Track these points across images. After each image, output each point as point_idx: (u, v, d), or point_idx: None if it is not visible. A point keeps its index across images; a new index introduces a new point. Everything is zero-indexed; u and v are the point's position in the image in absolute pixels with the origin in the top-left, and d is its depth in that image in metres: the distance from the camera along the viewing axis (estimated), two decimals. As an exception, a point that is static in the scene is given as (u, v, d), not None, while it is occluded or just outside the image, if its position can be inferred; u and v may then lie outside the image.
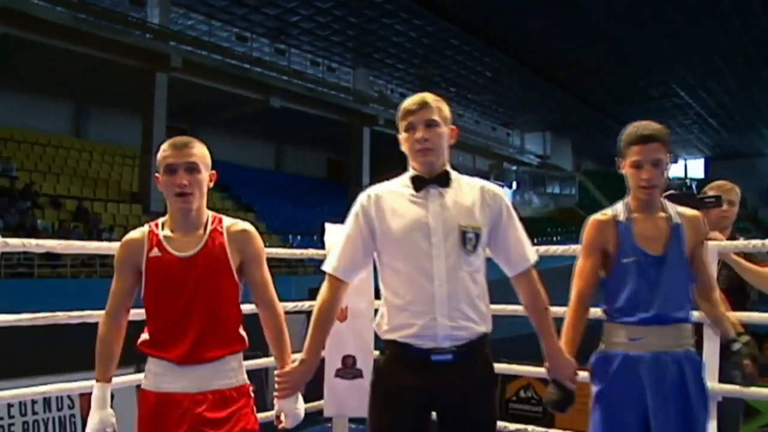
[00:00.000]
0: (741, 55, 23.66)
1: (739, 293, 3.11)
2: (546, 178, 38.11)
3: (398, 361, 2.09)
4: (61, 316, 2.79)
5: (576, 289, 2.38)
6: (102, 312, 2.56)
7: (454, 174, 2.19)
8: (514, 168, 37.45)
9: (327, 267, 2.20)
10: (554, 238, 27.19)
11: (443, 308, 2.03)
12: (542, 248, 3.32)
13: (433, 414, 2.16)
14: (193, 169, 2.14)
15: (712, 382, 2.99)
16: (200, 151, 2.19)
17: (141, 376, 2.19)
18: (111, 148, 22.50)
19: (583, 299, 2.37)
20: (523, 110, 33.55)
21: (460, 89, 30.28)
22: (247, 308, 2.30)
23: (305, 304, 3.58)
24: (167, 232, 2.18)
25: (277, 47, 25.15)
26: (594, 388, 2.37)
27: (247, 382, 2.23)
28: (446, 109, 2.19)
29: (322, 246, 3.76)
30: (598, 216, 2.44)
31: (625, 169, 2.37)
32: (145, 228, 2.22)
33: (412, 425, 2.09)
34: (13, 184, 17.13)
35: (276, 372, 2.19)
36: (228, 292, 2.18)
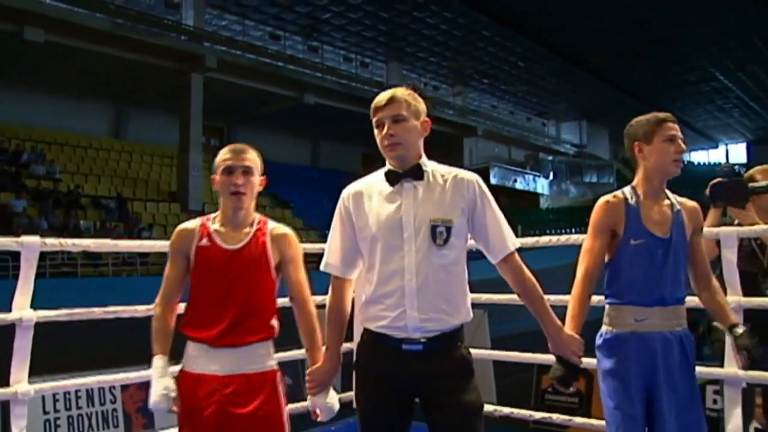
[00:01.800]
0: (782, 35, 23.13)
1: (749, 280, 3.11)
2: (583, 167, 37.67)
3: (373, 349, 2.18)
4: (98, 312, 2.93)
5: (584, 266, 2.45)
6: (135, 307, 2.74)
7: (429, 165, 2.21)
8: (551, 158, 37.07)
9: (323, 267, 2.31)
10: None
11: (413, 301, 2.08)
12: (573, 237, 3.36)
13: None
14: (248, 171, 2.39)
15: (734, 368, 3.00)
16: (254, 157, 2.44)
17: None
18: (149, 148, 22.89)
19: (590, 276, 2.45)
20: (558, 99, 33.20)
21: (493, 80, 30.10)
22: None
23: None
24: (217, 226, 2.41)
25: (310, 44, 25.28)
26: (604, 364, 2.43)
27: (275, 368, 2.39)
28: (417, 103, 2.21)
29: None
30: (608, 197, 2.52)
31: (649, 149, 2.48)
32: (198, 221, 2.46)
33: (393, 408, 2.15)
34: (57, 186, 17.55)
35: (307, 371, 2.32)
36: (264, 285, 2.39)
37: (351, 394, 3.96)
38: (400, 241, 2.11)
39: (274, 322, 2.41)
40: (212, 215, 2.46)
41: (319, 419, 2.33)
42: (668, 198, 2.51)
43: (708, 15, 21.50)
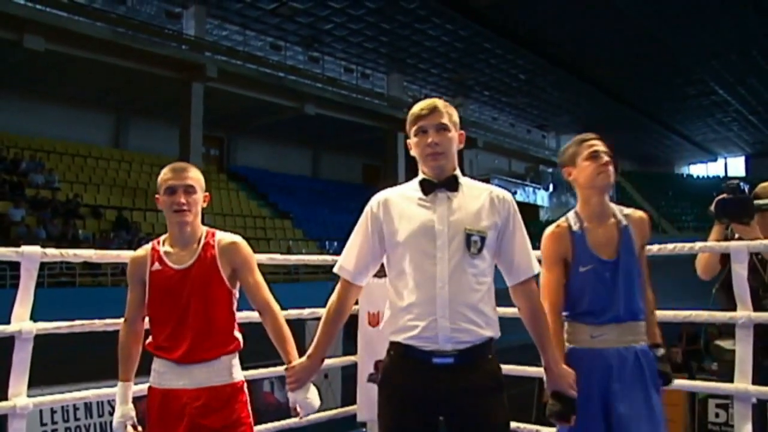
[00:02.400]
0: (781, 49, 23.17)
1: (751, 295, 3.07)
2: (583, 179, 37.71)
3: (402, 363, 2.13)
4: (98, 324, 2.89)
5: (548, 301, 2.45)
6: None
7: (462, 178, 2.21)
8: (551, 170, 37.11)
9: (336, 269, 2.29)
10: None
11: (444, 310, 2.05)
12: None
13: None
14: (189, 190, 2.43)
15: (745, 383, 2.95)
16: (196, 175, 2.49)
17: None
18: (149, 158, 22.84)
19: (557, 309, 2.47)
20: (559, 112, 33.25)
21: (494, 92, 30.13)
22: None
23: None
24: (167, 248, 2.47)
25: (311, 55, 25.32)
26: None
27: (241, 379, 2.47)
28: (455, 114, 2.23)
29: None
30: (552, 228, 2.56)
31: (576, 171, 2.52)
32: (149, 246, 2.52)
33: (419, 426, 2.10)
34: (56, 195, 17.51)
35: (285, 367, 2.34)
36: (220, 299, 2.43)
37: (355, 407, 3.95)
38: (433, 249, 2.09)
39: (237, 334, 2.49)
40: (162, 238, 2.51)
41: (299, 417, 2.35)
42: (614, 215, 2.52)
43: (709, 29, 21.55)
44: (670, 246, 3.26)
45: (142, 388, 2.52)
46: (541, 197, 35.78)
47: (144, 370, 2.51)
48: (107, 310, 3.30)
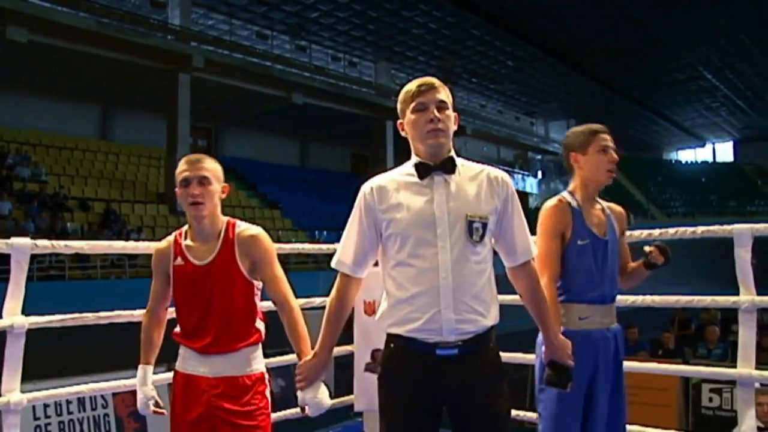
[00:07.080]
0: (771, 34, 23.20)
1: None
2: (572, 166, 37.91)
3: (403, 356, 2.05)
4: (90, 317, 2.84)
5: (548, 271, 2.51)
6: (131, 312, 2.93)
7: (458, 160, 2.12)
8: (539, 157, 37.18)
9: (334, 264, 2.20)
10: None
11: (448, 301, 1.98)
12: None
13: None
14: (204, 181, 2.41)
15: (748, 369, 2.95)
16: (211, 166, 2.46)
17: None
18: (137, 150, 22.77)
19: (555, 279, 2.55)
20: (547, 98, 33.25)
21: (482, 79, 30.11)
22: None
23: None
24: (189, 241, 2.47)
25: (298, 44, 25.21)
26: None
27: (262, 370, 2.48)
28: (450, 94, 2.15)
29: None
30: (554, 202, 2.64)
31: (585, 159, 2.65)
32: (171, 237, 2.52)
33: (422, 420, 2.05)
34: (43, 188, 17.38)
35: (297, 365, 2.29)
36: (241, 293, 2.43)
37: (351, 398, 3.93)
38: (433, 237, 2.00)
39: (260, 325, 2.48)
40: (184, 229, 2.51)
41: (308, 414, 2.31)
42: (599, 203, 2.71)
43: (698, 14, 21.57)
44: (656, 231, 3.28)
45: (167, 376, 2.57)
46: (530, 184, 35.88)
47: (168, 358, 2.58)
48: (98, 303, 3.29)
